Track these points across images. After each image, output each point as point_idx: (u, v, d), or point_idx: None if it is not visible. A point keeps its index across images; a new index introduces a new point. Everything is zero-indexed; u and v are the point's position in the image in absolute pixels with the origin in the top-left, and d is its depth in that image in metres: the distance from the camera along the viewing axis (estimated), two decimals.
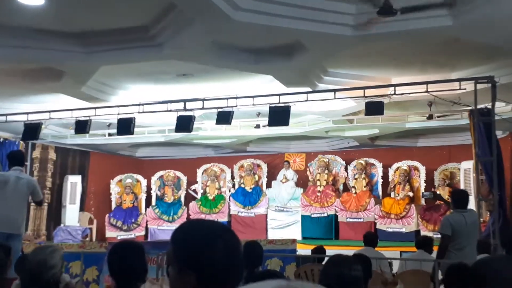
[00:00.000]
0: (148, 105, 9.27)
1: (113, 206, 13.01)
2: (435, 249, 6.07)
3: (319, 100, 8.72)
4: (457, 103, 8.21)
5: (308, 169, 12.65)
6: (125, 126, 9.13)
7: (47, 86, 8.57)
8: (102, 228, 12.71)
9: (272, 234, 12.12)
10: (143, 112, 9.20)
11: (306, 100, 8.39)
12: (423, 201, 11.55)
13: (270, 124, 8.78)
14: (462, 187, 10.87)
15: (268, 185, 12.79)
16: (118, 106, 9.28)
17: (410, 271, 5.78)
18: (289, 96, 8.50)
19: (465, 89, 7.62)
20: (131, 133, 9.35)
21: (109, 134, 11.74)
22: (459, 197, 5.72)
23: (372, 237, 6.66)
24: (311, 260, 6.27)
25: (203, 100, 8.95)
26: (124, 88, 9.47)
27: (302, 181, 12.77)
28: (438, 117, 10.16)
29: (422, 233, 10.71)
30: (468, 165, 10.96)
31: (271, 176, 12.94)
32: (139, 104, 9.18)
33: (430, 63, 7.95)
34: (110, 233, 12.52)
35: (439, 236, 5.74)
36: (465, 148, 11.83)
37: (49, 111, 9.28)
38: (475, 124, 7.10)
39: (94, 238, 12.56)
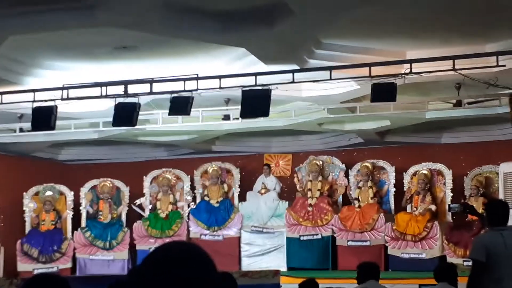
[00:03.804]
0: (75, 89, 9.20)
1: (27, 228, 12.86)
2: (461, 280, 6.17)
3: (310, 81, 8.76)
4: (494, 84, 8.36)
5: (295, 175, 12.72)
6: (44, 118, 9.04)
7: None
8: (12, 259, 12.56)
9: (248, 264, 12.15)
10: (68, 98, 9.12)
11: (292, 82, 8.42)
12: (449, 217, 11.73)
13: (244, 114, 8.79)
14: (501, 197, 11.06)
15: (242, 198, 12.82)
16: (33, 91, 9.17)
17: None
18: (269, 77, 8.52)
19: (504, 65, 7.76)
20: (52, 128, 9.25)
21: (21, 130, 11.60)
22: (496, 211, 5.82)
23: (372, 268, 6.73)
24: None
25: (151, 81, 8.91)
26: (42, 66, 9.37)
27: (288, 192, 12.83)
28: (468, 103, 10.31)
29: (449, 259, 10.87)
30: (509, 167, 11.17)
31: (246, 186, 12.97)
32: (62, 88, 9.10)
33: (457, 31, 8.08)
34: (23, 265, 12.38)
35: (471, 263, 5.85)
36: (504, 144, 12.05)
37: None
38: None
39: (0, 273, 12.39)
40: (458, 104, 10.16)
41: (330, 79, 8.29)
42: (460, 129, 12.53)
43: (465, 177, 11.98)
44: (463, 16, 7.45)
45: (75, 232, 12.74)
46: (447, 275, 6.50)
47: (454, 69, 7.73)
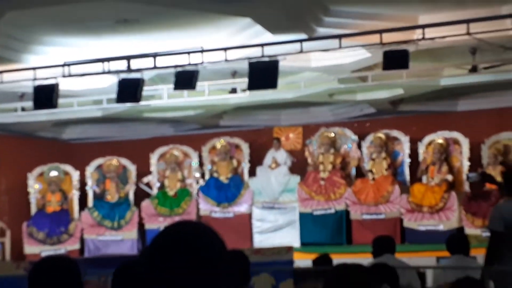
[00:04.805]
0: (77, 66, 9.21)
1: (33, 210, 12.97)
2: (480, 252, 6.20)
3: (319, 50, 8.72)
4: (510, 48, 8.30)
5: (306, 148, 12.73)
6: (45, 96, 9.07)
7: None
8: (18, 242, 12.69)
9: (259, 241, 12.22)
10: (70, 75, 9.14)
11: (301, 52, 8.39)
12: (467, 187, 11.73)
13: (251, 87, 8.79)
14: None
15: (252, 173, 12.86)
16: (34, 68, 9.19)
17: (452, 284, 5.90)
18: (277, 47, 8.49)
19: None
20: (54, 106, 9.29)
21: (23, 109, 11.65)
22: None
23: (387, 241, 6.78)
24: (314, 275, 6.38)
25: (155, 55, 8.91)
26: (42, 42, 9.38)
27: (299, 166, 12.85)
28: (484, 68, 10.25)
29: (467, 231, 10.90)
30: None
31: (256, 161, 13.00)
32: (64, 65, 9.11)
33: None
34: (30, 248, 12.51)
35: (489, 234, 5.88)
36: None
37: None
38: None
39: (7, 256, 12.53)
40: (474, 69, 10.10)
41: (340, 47, 8.26)
42: (476, 95, 12.46)
43: (482, 145, 11.95)
44: None
45: (82, 212, 12.84)
46: (462, 247, 6.53)
47: (468, 34, 7.68)
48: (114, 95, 9.34)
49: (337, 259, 7.26)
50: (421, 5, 8.41)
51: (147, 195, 12.96)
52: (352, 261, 2.97)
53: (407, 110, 12.82)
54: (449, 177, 11.70)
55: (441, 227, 11.35)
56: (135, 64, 9.04)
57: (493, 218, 5.72)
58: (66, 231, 12.62)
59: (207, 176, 12.93)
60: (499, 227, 5.58)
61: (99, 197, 13.02)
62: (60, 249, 12.40)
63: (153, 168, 13.11)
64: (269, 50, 8.45)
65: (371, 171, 12.08)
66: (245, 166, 12.96)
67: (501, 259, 5.67)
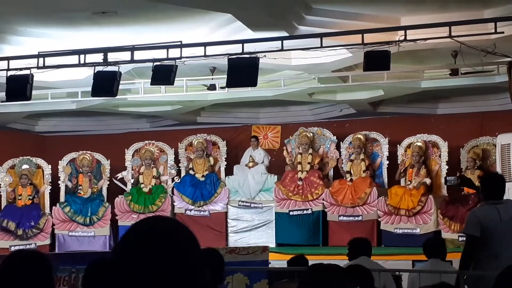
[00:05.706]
0: (52, 57, 9.16)
1: (3, 203, 12.88)
2: (456, 256, 6.28)
3: (300, 49, 8.76)
4: (492, 52, 8.41)
5: (285, 147, 12.78)
6: (19, 87, 9.00)
7: None
8: None
9: (235, 240, 12.25)
10: (45, 66, 9.08)
11: (281, 50, 8.43)
12: (445, 191, 11.85)
13: (230, 84, 8.80)
14: (498, 169, 11.18)
15: (229, 172, 12.88)
16: (8, 59, 9.12)
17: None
18: (257, 44, 8.52)
19: (503, 32, 7.81)
20: (28, 98, 9.23)
21: None
22: (492, 184, 5.91)
23: (363, 243, 6.83)
24: (289, 275, 6.42)
25: (132, 49, 8.89)
26: (17, 32, 9.31)
27: (277, 165, 12.89)
28: (465, 72, 10.36)
29: (444, 235, 11.01)
30: (506, 139, 11.27)
31: (233, 159, 13.03)
32: (38, 56, 9.06)
33: None
34: None
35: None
36: (503, 115, 12.14)
37: None
38: None
39: None
40: (455, 73, 10.22)
41: (321, 46, 8.31)
42: (456, 99, 12.61)
43: (461, 149, 12.07)
44: None
45: (53, 207, 12.77)
46: (438, 251, 6.61)
47: (450, 36, 7.76)
48: (89, 88, 9.31)
49: (313, 260, 7.30)
50: (403, 7, 8.49)
51: (121, 191, 12.92)
52: (328, 263, 3.01)
53: (387, 111, 12.93)
54: (427, 180, 11.80)
55: (417, 231, 11.44)
56: (112, 56, 9.01)
57: (469, 222, 5.78)
58: (37, 226, 12.55)
59: (183, 173, 12.92)
60: (475, 231, 5.64)
61: (72, 192, 12.97)
62: (30, 244, 12.34)
63: (127, 163, 13.08)
64: (249, 47, 8.47)
65: (349, 172, 12.16)
66: (222, 164, 12.98)
67: (477, 264, 5.74)
